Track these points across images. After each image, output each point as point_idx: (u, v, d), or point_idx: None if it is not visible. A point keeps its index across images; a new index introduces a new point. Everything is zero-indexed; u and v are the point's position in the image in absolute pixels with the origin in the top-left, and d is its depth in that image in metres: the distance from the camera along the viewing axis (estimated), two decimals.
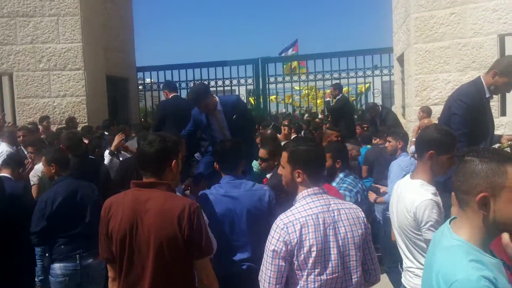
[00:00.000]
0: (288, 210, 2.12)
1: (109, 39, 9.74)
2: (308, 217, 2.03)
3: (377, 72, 10.97)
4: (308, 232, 2.00)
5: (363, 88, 15.79)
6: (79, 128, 7.46)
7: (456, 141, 2.48)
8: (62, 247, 3.48)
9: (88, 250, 3.50)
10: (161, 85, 10.68)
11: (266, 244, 2.07)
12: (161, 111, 5.94)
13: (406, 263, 2.50)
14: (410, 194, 2.39)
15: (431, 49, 7.26)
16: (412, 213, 2.31)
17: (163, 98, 6.98)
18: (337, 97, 9.07)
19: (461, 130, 3.37)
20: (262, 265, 2.08)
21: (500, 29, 6.74)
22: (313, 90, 13.26)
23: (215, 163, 3.13)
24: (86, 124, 8.30)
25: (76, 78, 8.54)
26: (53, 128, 7.95)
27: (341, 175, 3.63)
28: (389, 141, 4.83)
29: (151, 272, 2.09)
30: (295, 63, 14.78)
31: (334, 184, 3.59)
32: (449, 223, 1.52)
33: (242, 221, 2.85)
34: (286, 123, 7.66)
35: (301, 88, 12.16)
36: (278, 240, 2.01)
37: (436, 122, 5.83)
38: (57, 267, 3.47)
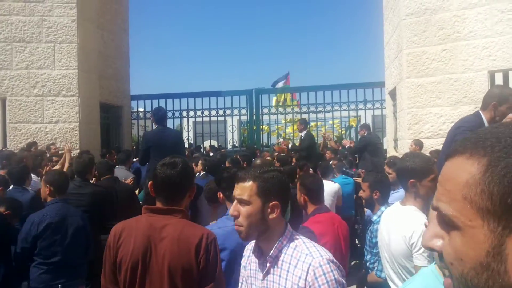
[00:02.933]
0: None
1: (105, 67, 9.79)
2: None
3: (368, 105, 11.11)
4: None
5: (354, 121, 15.98)
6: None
7: (432, 162, 2.54)
8: (43, 275, 3.31)
9: (71, 280, 3.37)
10: (151, 113, 10.72)
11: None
12: (145, 142, 6.04)
13: None
14: (405, 219, 2.41)
15: (423, 84, 7.41)
16: (408, 237, 2.32)
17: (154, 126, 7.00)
18: (303, 132, 9.18)
19: None
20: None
21: (490, 65, 6.92)
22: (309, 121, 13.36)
23: (218, 193, 2.90)
24: (78, 150, 8.23)
25: (70, 105, 8.52)
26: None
27: (382, 208, 3.47)
28: (389, 173, 4.70)
29: None
30: (287, 96, 14.95)
31: (375, 217, 3.48)
32: None
33: None
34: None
35: (294, 120, 12.22)
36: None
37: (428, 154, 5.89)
38: None
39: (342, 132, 20.70)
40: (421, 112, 7.43)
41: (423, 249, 2.24)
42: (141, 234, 2.02)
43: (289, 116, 12.39)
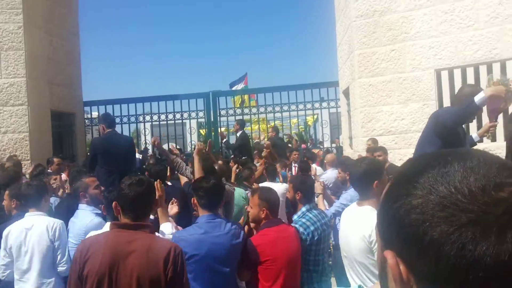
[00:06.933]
0: None
1: (55, 74, 9.49)
2: None
3: (324, 104, 11.34)
4: None
5: (312, 119, 16.26)
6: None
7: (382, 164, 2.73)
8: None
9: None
10: (97, 119, 10.55)
11: None
12: (93, 149, 5.89)
13: None
14: (364, 219, 2.51)
15: (374, 83, 7.63)
16: (368, 236, 2.42)
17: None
18: (238, 132, 9.67)
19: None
20: None
21: (436, 64, 7.22)
22: (263, 122, 13.48)
23: (193, 198, 2.97)
24: (29, 161, 7.95)
25: (19, 114, 8.20)
26: None
27: (303, 208, 3.54)
28: (339, 173, 4.95)
29: None
30: (245, 96, 15.03)
31: (295, 217, 3.56)
32: None
33: (224, 262, 2.76)
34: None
35: (252, 120, 12.30)
36: None
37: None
38: None
39: (301, 130, 21.00)
40: (373, 111, 7.65)
41: None
42: (109, 249, 2.14)
43: (248, 116, 12.46)
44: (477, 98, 3.20)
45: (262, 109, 11.63)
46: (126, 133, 10.64)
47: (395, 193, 0.65)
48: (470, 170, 0.60)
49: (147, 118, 11.47)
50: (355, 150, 8.31)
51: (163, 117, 11.36)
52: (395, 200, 0.64)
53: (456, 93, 3.76)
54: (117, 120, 10.64)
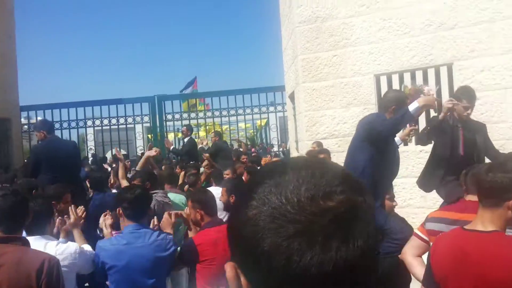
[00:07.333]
0: None
1: None
2: None
3: (272, 108, 11.44)
4: None
5: (261, 123, 16.36)
6: None
7: None
8: None
9: None
10: (33, 125, 9.98)
11: None
12: (35, 156, 5.62)
13: None
14: None
15: (317, 88, 7.76)
16: None
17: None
18: (186, 138, 9.57)
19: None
20: None
21: (375, 69, 7.43)
22: (213, 126, 13.42)
23: (118, 209, 2.95)
24: None
25: None
26: None
27: None
28: None
29: None
30: (193, 101, 14.91)
31: None
32: None
33: (148, 273, 2.73)
34: None
35: (200, 124, 12.19)
36: None
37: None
38: None
39: (252, 135, 21.10)
40: (317, 115, 7.77)
41: None
42: None
43: (197, 121, 12.36)
44: (411, 108, 3.28)
45: (209, 114, 11.57)
46: (68, 139, 10.24)
47: (237, 204, 0.65)
48: (302, 180, 0.59)
49: (90, 123, 11.08)
50: (301, 153, 8.41)
51: (106, 122, 11.04)
52: (236, 212, 0.63)
53: (382, 97, 3.85)
54: (57, 125, 10.25)
